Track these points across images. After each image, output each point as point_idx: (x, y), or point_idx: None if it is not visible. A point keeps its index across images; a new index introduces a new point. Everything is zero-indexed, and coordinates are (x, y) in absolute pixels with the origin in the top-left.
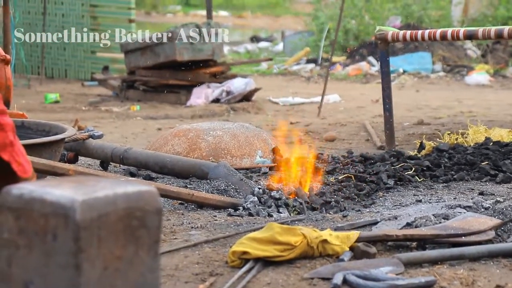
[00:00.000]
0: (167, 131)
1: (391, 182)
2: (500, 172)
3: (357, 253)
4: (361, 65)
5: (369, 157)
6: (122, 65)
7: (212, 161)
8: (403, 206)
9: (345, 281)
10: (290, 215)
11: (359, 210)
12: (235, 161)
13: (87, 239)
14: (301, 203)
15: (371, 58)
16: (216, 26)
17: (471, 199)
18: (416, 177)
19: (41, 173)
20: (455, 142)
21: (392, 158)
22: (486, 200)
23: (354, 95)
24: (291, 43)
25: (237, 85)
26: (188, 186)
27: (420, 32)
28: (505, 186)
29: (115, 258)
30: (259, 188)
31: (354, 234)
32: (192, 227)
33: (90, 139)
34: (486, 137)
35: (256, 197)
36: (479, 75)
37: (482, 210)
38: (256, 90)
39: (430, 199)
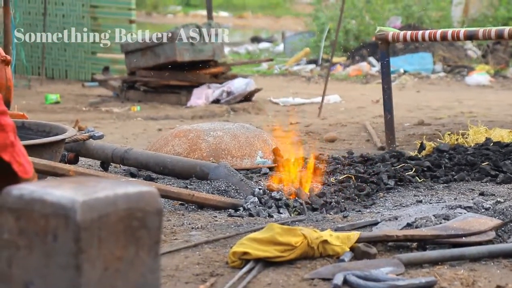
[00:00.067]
0: (168, 132)
1: (391, 182)
2: (500, 172)
3: (357, 254)
4: (362, 65)
5: (369, 157)
6: (122, 65)
7: (213, 162)
8: (404, 206)
9: (345, 281)
10: (290, 215)
11: (359, 211)
12: (235, 162)
13: (87, 240)
14: (301, 204)
15: (371, 59)
16: (216, 26)
17: (472, 199)
18: (417, 177)
19: (42, 173)
20: (456, 142)
21: (392, 158)
22: (487, 201)
23: (355, 95)
24: (291, 43)
25: (238, 85)
26: (189, 186)
27: (420, 32)
28: (505, 186)
29: (116, 258)
30: (260, 189)
31: (355, 235)
32: (192, 228)
33: (91, 139)
34: (486, 137)
35: (256, 198)
36: (480, 76)
37: (483, 210)
38: (256, 90)
39: (430, 200)
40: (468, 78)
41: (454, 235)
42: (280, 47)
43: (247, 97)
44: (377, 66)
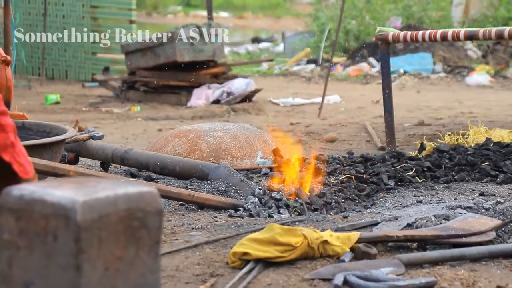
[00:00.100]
0: (168, 132)
1: (391, 183)
2: (500, 172)
3: (357, 254)
4: (362, 65)
5: (369, 157)
6: (122, 66)
7: (213, 162)
8: (404, 207)
9: (345, 281)
10: (290, 216)
11: (359, 211)
12: (235, 162)
13: (87, 240)
14: (301, 204)
15: (371, 59)
16: (216, 26)
17: (472, 199)
18: (417, 177)
19: (42, 174)
20: (456, 142)
21: (392, 158)
22: (487, 201)
23: (355, 95)
24: (291, 44)
25: (238, 85)
26: (189, 187)
27: (420, 32)
28: (505, 186)
29: (116, 259)
30: (260, 189)
31: (355, 235)
32: (192, 228)
33: (91, 140)
34: (486, 137)
35: (256, 198)
36: (480, 76)
37: (483, 210)
38: (256, 91)
39: (430, 200)
40: (468, 78)
41: (455, 236)
42: (280, 47)
43: (247, 98)
44: (377, 67)
